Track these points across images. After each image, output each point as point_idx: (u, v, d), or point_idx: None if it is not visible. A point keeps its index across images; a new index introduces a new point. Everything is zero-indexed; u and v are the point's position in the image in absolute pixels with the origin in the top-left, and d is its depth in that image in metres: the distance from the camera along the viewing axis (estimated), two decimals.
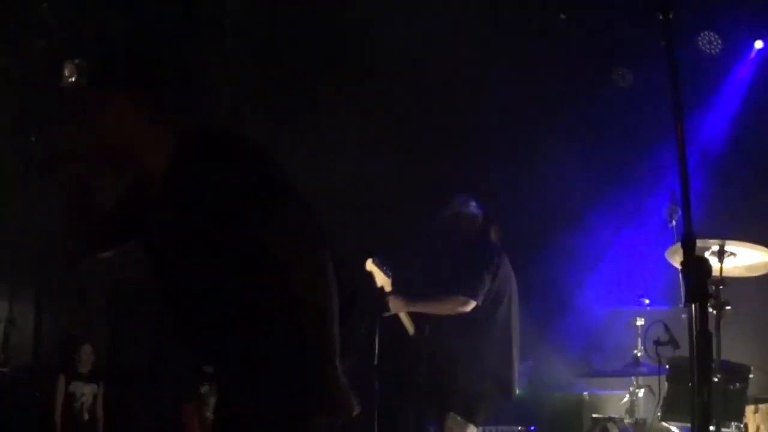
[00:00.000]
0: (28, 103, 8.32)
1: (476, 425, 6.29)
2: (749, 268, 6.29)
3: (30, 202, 8.45)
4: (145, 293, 9.32)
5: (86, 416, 8.42)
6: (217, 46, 8.81)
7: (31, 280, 8.83)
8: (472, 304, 6.18)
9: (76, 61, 8.19)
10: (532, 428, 8.17)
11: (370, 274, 6.45)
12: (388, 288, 6.42)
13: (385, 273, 6.42)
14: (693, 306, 3.13)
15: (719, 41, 8.69)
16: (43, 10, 8.19)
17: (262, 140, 3.45)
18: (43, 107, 8.43)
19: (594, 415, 7.67)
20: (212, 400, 8.23)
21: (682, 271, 3.13)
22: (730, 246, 5.94)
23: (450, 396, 6.26)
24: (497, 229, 6.62)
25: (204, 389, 8.23)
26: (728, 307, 6.03)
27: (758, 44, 8.81)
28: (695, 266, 3.10)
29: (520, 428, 8.14)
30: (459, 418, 6.20)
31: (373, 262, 6.44)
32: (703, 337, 3.10)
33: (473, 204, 6.61)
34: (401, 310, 6.42)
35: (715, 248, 5.91)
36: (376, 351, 6.46)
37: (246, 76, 9.03)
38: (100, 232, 3.79)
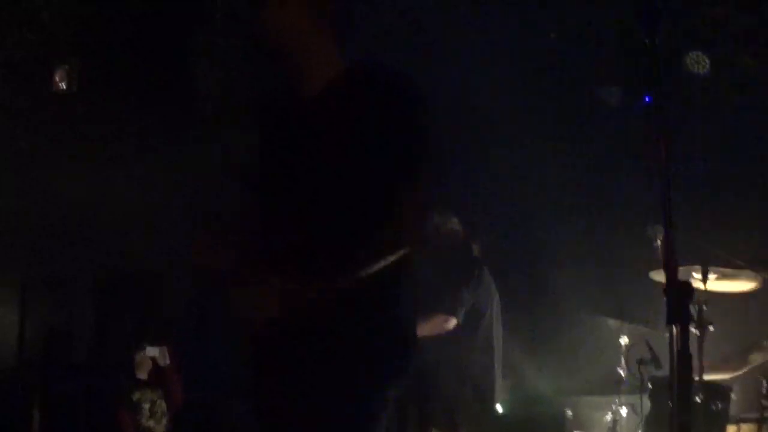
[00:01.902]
0: (19, 101, 8.32)
1: None
2: (733, 285, 6.33)
3: (13, 197, 8.46)
4: (131, 285, 9.35)
5: (152, 423, 8.34)
6: (208, 38, 8.83)
7: (15, 275, 8.82)
8: (453, 323, 6.20)
9: (67, 66, 8.21)
10: None
11: None
12: None
13: None
14: (673, 327, 3.15)
15: (707, 61, 8.71)
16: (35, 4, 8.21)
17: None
18: (34, 106, 8.45)
19: None
20: (146, 407, 8.22)
21: (664, 292, 3.14)
22: (713, 273, 5.99)
23: (431, 410, 6.27)
24: (479, 245, 6.64)
25: (136, 396, 8.21)
26: (711, 327, 6.06)
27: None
28: (677, 288, 3.11)
29: None
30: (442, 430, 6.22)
31: None
32: (683, 360, 3.12)
33: (454, 220, 6.63)
34: None
35: (698, 275, 5.96)
36: None
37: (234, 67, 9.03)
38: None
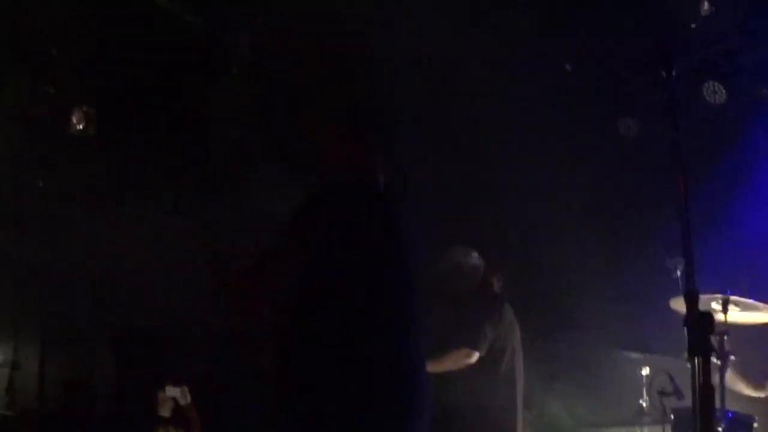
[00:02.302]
0: (36, 148, 8.36)
1: None
2: (753, 316, 6.31)
3: (34, 244, 8.49)
4: (150, 338, 9.37)
5: None
6: (224, 87, 8.87)
7: (35, 324, 8.83)
8: (476, 356, 6.16)
9: (85, 108, 8.27)
10: None
11: None
12: None
13: None
14: (695, 359, 3.14)
15: (724, 91, 8.72)
16: (52, 56, 8.25)
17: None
18: (52, 152, 8.49)
19: None
20: None
21: (685, 324, 3.14)
22: (733, 304, 5.98)
23: None
24: (500, 278, 6.62)
25: None
26: (732, 357, 6.05)
27: None
28: (698, 320, 3.11)
29: None
30: None
31: None
32: (705, 391, 3.11)
33: (474, 255, 6.61)
34: None
35: (719, 303, 5.94)
36: None
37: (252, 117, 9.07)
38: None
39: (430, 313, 6.56)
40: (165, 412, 8.28)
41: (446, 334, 6.33)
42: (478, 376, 6.23)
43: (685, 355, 6.26)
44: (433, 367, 6.23)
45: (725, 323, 6.01)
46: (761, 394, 6.89)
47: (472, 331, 6.21)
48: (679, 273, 6.56)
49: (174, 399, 8.05)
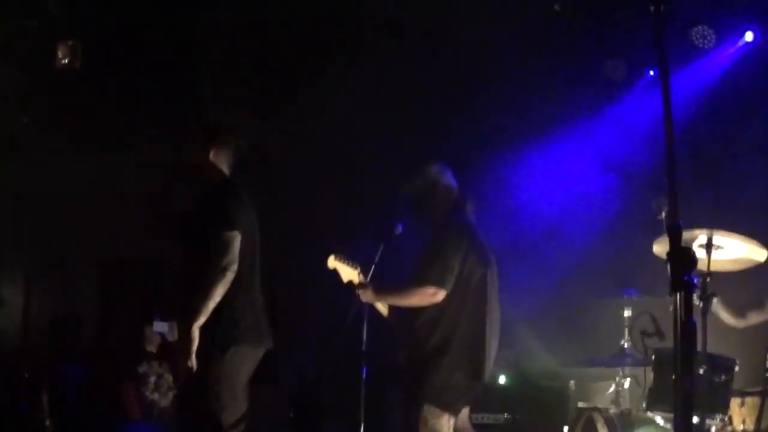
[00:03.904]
0: (21, 82, 8.30)
1: (453, 414, 6.09)
2: (734, 261, 6.31)
3: (17, 180, 8.46)
4: (138, 272, 9.37)
5: (156, 396, 8.35)
6: (210, 21, 8.81)
7: (20, 260, 8.83)
8: (441, 294, 5.97)
9: (70, 42, 8.20)
10: (518, 416, 8.18)
11: (335, 271, 6.32)
12: (356, 279, 6.26)
13: (351, 265, 6.28)
14: (677, 296, 3.14)
15: (713, 35, 8.69)
16: None
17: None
18: (36, 87, 8.43)
19: (579, 405, 7.67)
20: (152, 380, 8.26)
21: (668, 260, 3.13)
22: (718, 238, 5.96)
23: (422, 386, 6.10)
24: (471, 204, 6.43)
25: (142, 368, 8.24)
26: (715, 300, 6.07)
27: (748, 36, 8.80)
28: (680, 256, 3.10)
29: (506, 416, 8.18)
30: (433, 407, 6.01)
31: (336, 258, 6.30)
32: (687, 328, 3.11)
33: (449, 174, 6.42)
34: (370, 301, 6.27)
35: (703, 240, 5.92)
36: (364, 337, 6.43)
37: (237, 52, 9.03)
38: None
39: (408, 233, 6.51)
40: (151, 347, 8.31)
41: (415, 268, 6.21)
42: (443, 311, 6.05)
43: (668, 296, 6.31)
44: (399, 300, 6.25)
45: (709, 266, 5.99)
46: (741, 325, 6.91)
47: (438, 266, 6.05)
48: (663, 215, 6.56)
49: (161, 334, 8.05)
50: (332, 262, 6.31)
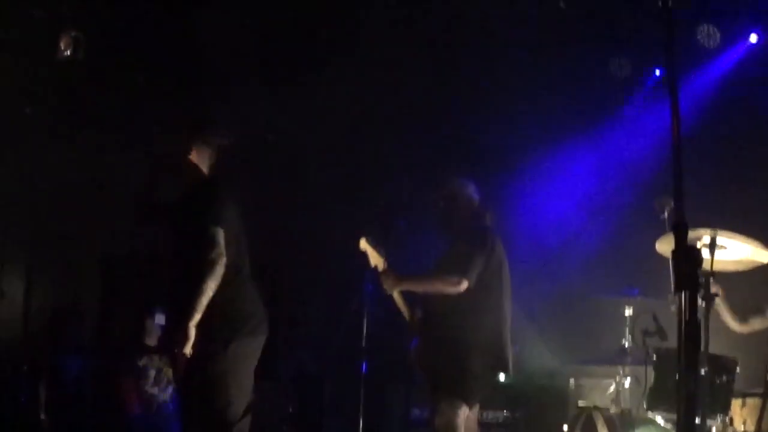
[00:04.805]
0: (25, 72, 8.28)
1: (469, 406, 6.25)
2: (738, 262, 6.28)
3: (19, 171, 8.44)
4: (135, 265, 9.35)
5: (155, 390, 8.31)
6: (213, 12, 8.81)
7: (21, 252, 8.81)
8: (465, 284, 6.18)
9: (73, 33, 8.17)
10: (518, 413, 8.18)
11: (364, 254, 6.47)
12: (381, 267, 6.42)
13: (379, 252, 6.44)
14: (682, 294, 3.11)
15: (718, 34, 8.68)
16: None
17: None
18: (40, 78, 8.41)
19: (579, 404, 7.67)
20: (152, 373, 8.23)
21: (673, 258, 3.11)
22: (722, 238, 5.93)
23: (441, 378, 6.26)
24: (492, 215, 6.64)
25: (142, 362, 8.22)
26: (717, 299, 6.05)
27: (753, 38, 8.80)
28: (686, 254, 3.08)
29: (506, 414, 8.17)
30: (451, 398, 6.15)
31: (367, 241, 6.46)
32: (691, 326, 3.09)
33: (472, 188, 6.64)
34: (394, 288, 6.41)
35: (707, 239, 5.90)
36: (365, 332, 6.46)
37: (241, 44, 9.01)
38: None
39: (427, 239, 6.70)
40: (151, 341, 8.28)
41: (439, 262, 6.40)
42: (467, 307, 6.25)
43: (670, 296, 6.30)
44: (423, 286, 6.44)
45: (712, 266, 5.96)
46: (744, 330, 6.91)
47: (463, 260, 6.24)
48: (666, 214, 6.55)
49: (162, 327, 8.02)
50: (364, 245, 6.49)
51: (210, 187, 5.55)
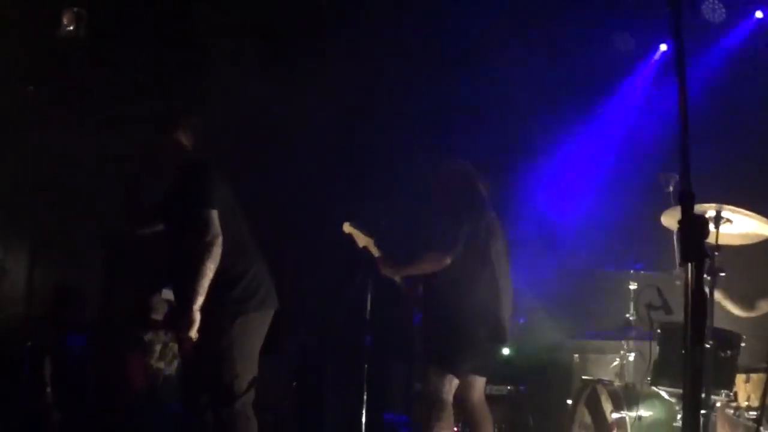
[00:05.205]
0: (27, 50, 8.25)
1: (457, 375, 6.35)
2: (743, 236, 6.25)
3: (24, 151, 8.43)
4: (138, 243, 9.35)
5: (161, 365, 8.31)
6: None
7: (24, 230, 8.80)
8: (448, 260, 6.29)
9: (75, 9, 8.14)
10: (522, 387, 8.20)
11: (350, 236, 6.60)
12: (371, 245, 6.62)
13: (365, 233, 6.59)
14: (688, 266, 3.07)
15: (722, 9, 8.64)
16: None
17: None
18: (43, 55, 8.38)
19: (584, 377, 7.68)
20: (158, 348, 8.24)
21: (679, 229, 3.07)
22: (727, 212, 5.91)
23: (432, 349, 6.34)
24: (487, 185, 6.66)
25: (148, 337, 8.22)
26: (722, 274, 6.03)
27: (758, 14, 8.76)
28: (692, 225, 3.04)
29: (509, 388, 8.18)
30: (436, 367, 6.29)
31: (351, 225, 6.63)
32: (697, 298, 3.05)
33: (468, 163, 6.69)
34: (393, 276, 6.60)
35: (712, 213, 5.87)
36: (368, 306, 6.49)
37: (242, 23, 8.99)
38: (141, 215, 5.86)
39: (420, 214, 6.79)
40: (158, 316, 8.28)
41: (426, 239, 6.49)
42: (461, 279, 6.32)
43: (674, 271, 6.28)
44: (414, 270, 6.57)
45: (717, 240, 5.94)
46: (750, 314, 6.92)
47: (446, 236, 6.30)
48: (671, 188, 6.52)
49: (169, 302, 8.02)
50: (347, 228, 6.66)
51: (196, 170, 5.55)
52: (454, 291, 6.34)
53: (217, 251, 5.26)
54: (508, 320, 6.50)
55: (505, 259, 6.56)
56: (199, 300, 5.21)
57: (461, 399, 6.51)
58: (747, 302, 6.92)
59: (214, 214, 5.33)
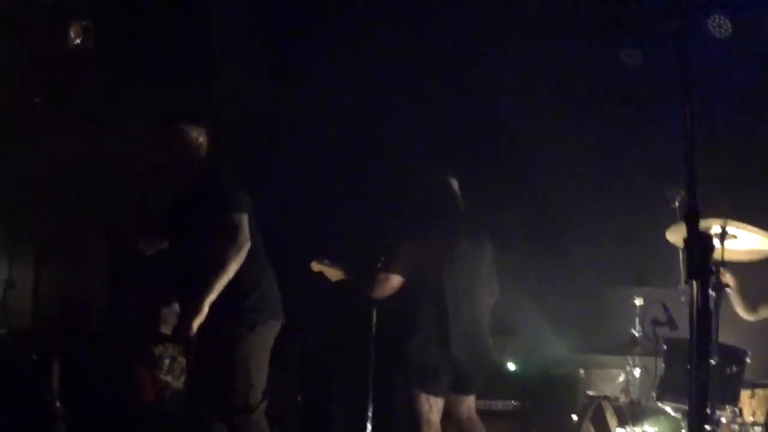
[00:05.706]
0: (34, 61, 8.28)
1: (433, 394, 6.15)
2: (749, 252, 6.27)
3: (31, 162, 8.44)
4: (144, 255, 9.35)
5: (170, 378, 8.31)
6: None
7: (30, 242, 8.81)
8: (395, 279, 6.20)
9: (83, 22, 8.18)
10: (527, 403, 8.18)
11: (321, 274, 6.57)
12: (343, 276, 6.54)
13: (333, 267, 6.53)
14: (694, 283, 3.08)
15: (729, 25, 8.65)
16: None
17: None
18: (50, 66, 8.41)
19: (589, 393, 7.67)
20: (166, 362, 8.23)
21: (685, 246, 3.08)
22: (732, 228, 5.91)
23: (405, 368, 6.24)
24: (462, 203, 6.48)
25: (158, 350, 8.21)
26: (728, 289, 6.03)
27: None
28: (698, 242, 3.06)
29: (514, 403, 8.16)
30: (413, 388, 6.18)
31: (318, 262, 6.56)
32: (702, 316, 3.06)
33: (447, 181, 6.53)
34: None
35: (717, 229, 5.88)
36: (374, 321, 6.47)
37: (249, 31, 9.01)
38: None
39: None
40: (167, 329, 8.27)
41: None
42: (414, 295, 6.16)
43: (680, 287, 6.28)
44: (376, 295, 6.42)
45: (722, 256, 5.94)
46: (752, 318, 6.91)
47: (394, 254, 6.21)
48: (677, 203, 6.54)
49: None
50: (315, 266, 6.58)
51: (216, 177, 5.54)
52: (407, 306, 6.24)
53: (243, 255, 5.26)
54: (476, 331, 6.27)
55: (479, 266, 6.34)
56: (212, 296, 5.19)
57: (449, 417, 6.39)
58: (751, 305, 6.92)
59: (245, 220, 5.34)
